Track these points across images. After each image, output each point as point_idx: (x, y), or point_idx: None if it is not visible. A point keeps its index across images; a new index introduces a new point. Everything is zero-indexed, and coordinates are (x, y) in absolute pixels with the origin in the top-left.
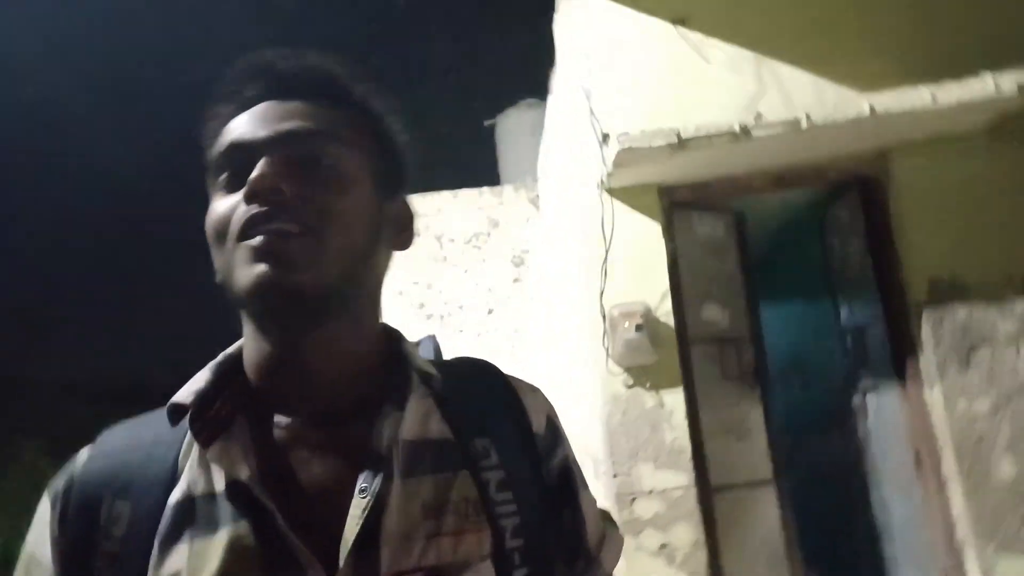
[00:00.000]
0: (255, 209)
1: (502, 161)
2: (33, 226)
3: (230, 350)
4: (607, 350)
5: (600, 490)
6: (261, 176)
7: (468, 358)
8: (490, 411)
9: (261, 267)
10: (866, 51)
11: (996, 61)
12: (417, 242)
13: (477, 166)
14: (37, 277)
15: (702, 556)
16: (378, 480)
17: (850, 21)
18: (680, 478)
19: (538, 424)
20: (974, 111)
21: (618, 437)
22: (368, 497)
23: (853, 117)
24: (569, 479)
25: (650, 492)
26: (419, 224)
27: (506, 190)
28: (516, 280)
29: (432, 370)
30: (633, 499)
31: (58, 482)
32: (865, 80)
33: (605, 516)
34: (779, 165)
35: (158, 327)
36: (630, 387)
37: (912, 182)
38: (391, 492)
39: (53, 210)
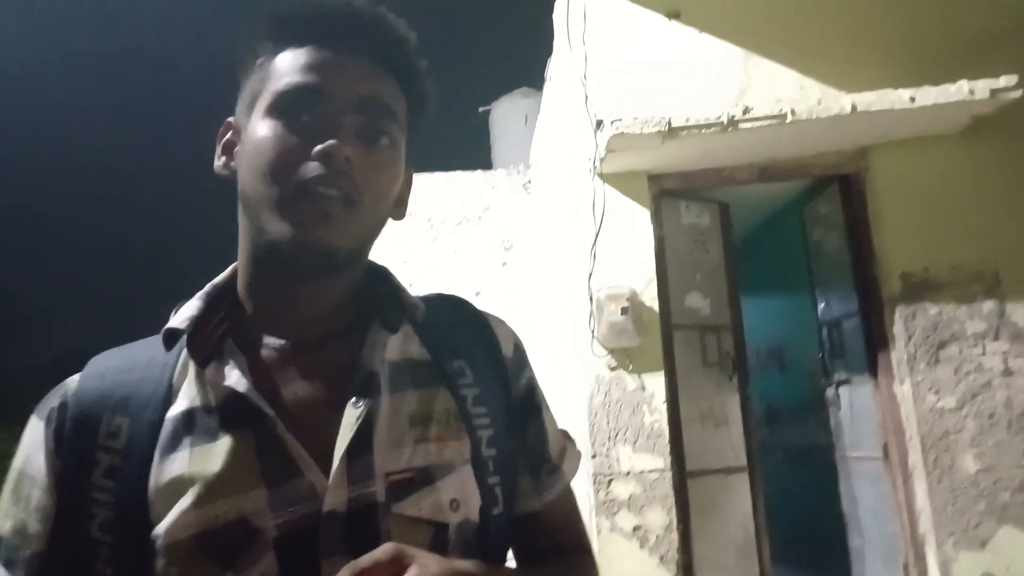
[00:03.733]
0: (321, 170)
1: (495, 147)
2: (4, 209)
3: (218, 279)
4: (592, 332)
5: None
6: (342, 146)
7: (442, 293)
8: (464, 337)
9: (306, 227)
10: (850, 53)
11: (971, 68)
12: (408, 222)
13: (471, 150)
14: (10, 262)
15: (674, 540)
16: (369, 393)
17: (836, 23)
18: (657, 461)
19: (507, 349)
20: (950, 114)
21: (599, 418)
22: (361, 408)
23: (835, 114)
24: (534, 398)
25: (627, 474)
26: (410, 204)
27: (498, 174)
28: (504, 264)
29: (417, 302)
30: (610, 480)
31: (50, 401)
32: (848, 80)
33: (565, 434)
34: (764, 158)
35: (135, 308)
36: (613, 369)
37: (889, 180)
38: (380, 404)
39: (25, 192)
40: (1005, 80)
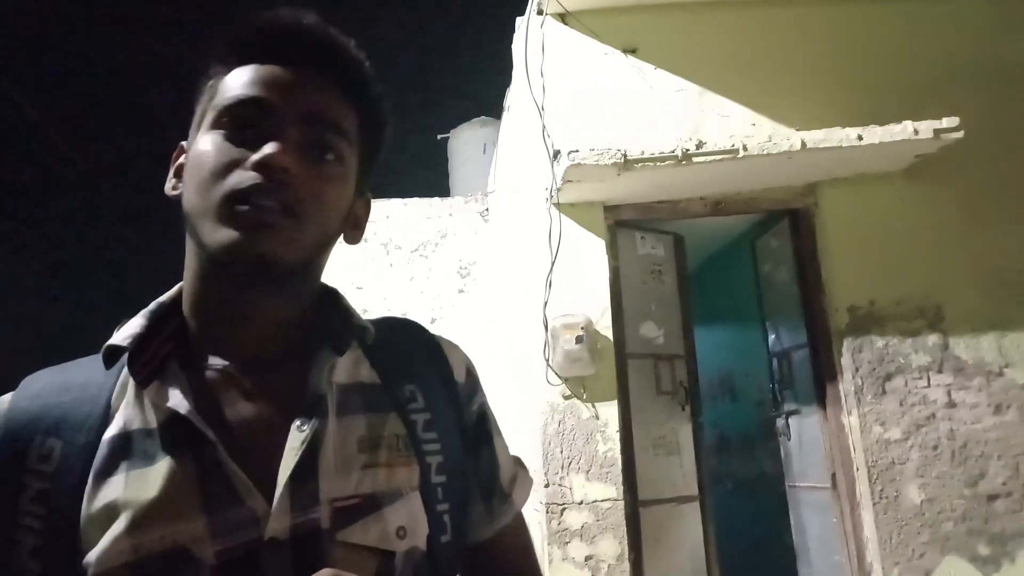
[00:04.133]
0: (258, 180)
1: (453, 175)
2: None
3: (163, 298)
4: (547, 360)
5: (531, 499)
6: (278, 155)
7: (394, 316)
8: (415, 360)
9: (243, 235)
10: (801, 92)
11: (916, 110)
12: (364, 248)
13: (429, 178)
14: None
15: (626, 570)
16: (316, 416)
17: (787, 63)
18: (609, 490)
19: (459, 374)
20: (895, 152)
21: (553, 447)
22: (307, 431)
23: (785, 150)
24: (486, 424)
25: (580, 503)
26: (368, 229)
27: (455, 201)
28: (461, 291)
29: (367, 324)
30: (563, 509)
31: None
32: (799, 118)
33: (517, 460)
34: (717, 192)
35: (96, 329)
36: (567, 398)
37: (837, 216)
38: (327, 428)
39: None
40: (947, 121)
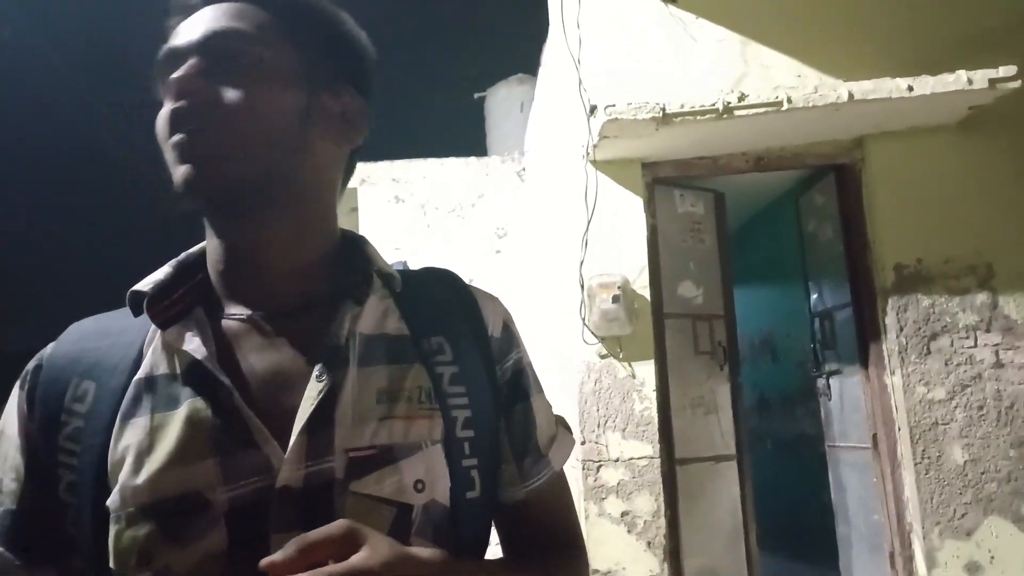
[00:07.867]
0: (175, 114)
1: (490, 134)
2: None
3: (192, 249)
4: (583, 319)
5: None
6: (179, 78)
7: (432, 268)
8: (447, 312)
9: (182, 166)
10: (848, 41)
11: (969, 61)
12: (400, 209)
13: (466, 137)
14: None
15: (661, 526)
16: (334, 366)
17: (834, 11)
18: (646, 448)
19: (494, 327)
20: (947, 104)
21: (589, 405)
22: (325, 381)
23: (832, 102)
24: (522, 381)
25: (616, 460)
26: (404, 190)
27: (492, 161)
28: (498, 252)
29: (393, 271)
30: (599, 466)
31: (29, 365)
32: (846, 68)
33: (559, 420)
34: (760, 147)
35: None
36: (604, 357)
37: (885, 171)
38: (347, 378)
39: (12, 176)
40: (1004, 70)
